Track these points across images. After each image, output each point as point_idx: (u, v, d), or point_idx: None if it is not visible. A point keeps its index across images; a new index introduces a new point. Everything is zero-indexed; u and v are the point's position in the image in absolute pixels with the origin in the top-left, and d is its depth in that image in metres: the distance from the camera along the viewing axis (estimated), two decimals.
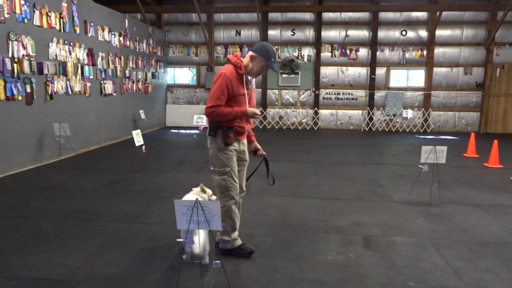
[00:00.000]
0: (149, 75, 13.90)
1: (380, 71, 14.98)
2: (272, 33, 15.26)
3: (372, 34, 14.78)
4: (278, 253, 3.98)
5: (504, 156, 8.64)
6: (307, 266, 3.70)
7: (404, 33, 14.70)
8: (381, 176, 7.42)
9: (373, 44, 14.75)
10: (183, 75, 16.18)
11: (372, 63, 14.84)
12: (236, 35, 15.41)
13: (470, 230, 4.70)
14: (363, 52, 15.01)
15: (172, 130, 14.39)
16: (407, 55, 14.77)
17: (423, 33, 14.68)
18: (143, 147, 7.20)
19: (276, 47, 15.16)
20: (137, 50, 12.78)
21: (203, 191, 3.94)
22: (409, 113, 14.70)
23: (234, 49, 15.40)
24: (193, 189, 4.00)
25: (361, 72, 15.09)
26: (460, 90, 14.83)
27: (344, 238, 4.40)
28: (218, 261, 3.07)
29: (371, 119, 15.07)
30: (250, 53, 3.68)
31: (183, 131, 14.15)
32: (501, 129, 14.68)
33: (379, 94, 15.02)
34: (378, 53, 14.80)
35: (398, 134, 14.07)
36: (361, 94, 15.14)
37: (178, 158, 8.92)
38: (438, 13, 13.90)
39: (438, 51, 14.69)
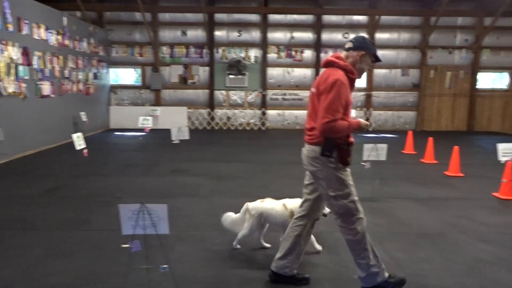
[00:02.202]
0: (91, 75, 13.33)
1: None
2: (219, 33, 15.23)
3: (316, 36, 15.20)
4: (229, 254, 3.98)
5: (439, 152, 9.23)
6: (257, 265, 3.73)
7: (346, 35, 15.26)
8: None
9: (318, 46, 15.18)
10: (127, 76, 15.69)
11: (317, 65, 15.26)
12: (182, 35, 15.21)
13: (409, 223, 4.97)
14: (308, 54, 15.40)
15: (116, 133, 13.89)
16: None
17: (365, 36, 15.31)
18: (85, 150, 6.89)
19: (223, 48, 15.16)
20: (77, 49, 12.21)
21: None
22: (352, 113, 15.24)
23: (180, 49, 15.19)
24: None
25: (307, 73, 15.47)
26: (398, 91, 15.65)
27: None
28: (166, 266, 3.01)
29: None
30: (355, 52, 3.22)
31: (128, 133, 13.72)
32: (435, 126, 15.67)
33: None
34: (322, 54, 15.24)
35: None
36: (306, 94, 15.52)
37: (123, 162, 8.64)
38: (377, 17, 14.61)
39: (378, 53, 15.33)
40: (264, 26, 15.09)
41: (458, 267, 3.75)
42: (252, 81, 15.34)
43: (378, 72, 15.49)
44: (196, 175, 7.44)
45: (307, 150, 3.22)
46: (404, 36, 15.43)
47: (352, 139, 3.19)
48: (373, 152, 5.99)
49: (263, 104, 15.49)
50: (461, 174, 7.62)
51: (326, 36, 15.28)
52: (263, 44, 15.20)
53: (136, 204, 2.83)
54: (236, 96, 15.58)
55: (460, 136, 14.16)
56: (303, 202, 3.44)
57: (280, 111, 15.66)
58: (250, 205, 4.06)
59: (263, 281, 3.42)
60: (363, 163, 6.03)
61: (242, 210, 4.10)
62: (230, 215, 4.18)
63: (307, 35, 15.35)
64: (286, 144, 11.74)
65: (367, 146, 6.00)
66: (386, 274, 3.22)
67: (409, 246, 4.21)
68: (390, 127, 15.77)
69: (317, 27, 15.13)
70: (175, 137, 8.58)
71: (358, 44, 3.25)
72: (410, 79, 15.62)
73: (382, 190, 6.42)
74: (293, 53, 15.34)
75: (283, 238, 3.46)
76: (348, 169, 3.18)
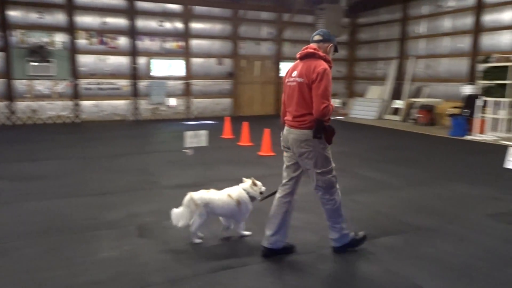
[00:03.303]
0: None
1: (142, 61, 15.01)
2: (13, 14, 13.11)
3: (130, 23, 14.60)
4: (45, 262, 3.56)
5: (253, 135, 10.09)
6: (79, 269, 3.45)
7: (161, 24, 15.12)
8: (152, 164, 7.53)
9: (133, 33, 14.62)
10: None
11: (133, 53, 14.72)
12: None
13: None
14: (124, 41, 14.69)
15: None
16: (166, 45, 15.29)
17: (180, 25, 15.46)
18: None
19: (22, 31, 13.16)
20: None
21: (254, 184, 3.99)
22: (172, 101, 15.36)
23: None
24: (244, 180, 4.00)
25: (123, 61, 14.76)
26: (215, 79, 16.41)
27: (117, 232, 4.29)
28: None
29: (136, 108, 15.01)
30: (325, 44, 3.62)
31: None
32: (249, 112, 17.07)
33: (142, 84, 15.08)
34: (138, 42, 14.77)
35: (164, 122, 14.52)
36: (124, 83, 14.85)
37: None
38: (190, 7, 14.90)
39: (194, 42, 15.78)
40: (70, 8, 13.68)
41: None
42: (61, 70, 13.77)
43: (196, 61, 15.90)
44: None
45: (297, 134, 3.56)
46: (217, 27, 16.18)
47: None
48: (195, 139, 6.18)
49: (76, 95, 14.13)
50: (273, 153, 8.51)
51: (141, 23, 14.82)
52: (70, 29, 13.78)
53: None
54: (42, 86, 13.76)
55: (270, 119, 15.75)
56: (287, 181, 3.75)
57: (96, 102, 14.56)
58: (195, 195, 3.88)
59: (86, 284, 3.19)
60: (185, 150, 6.15)
61: (185, 201, 3.90)
62: (175, 211, 3.91)
63: (121, 21, 14.61)
64: (106, 136, 11.05)
65: (188, 134, 6.14)
66: (352, 234, 3.80)
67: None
68: (209, 114, 16.45)
69: (131, 13, 14.54)
70: None
71: (327, 37, 3.64)
72: (225, 68, 16.54)
73: (205, 174, 6.68)
74: (107, 40, 14.41)
75: (270, 215, 3.74)
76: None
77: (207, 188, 4.13)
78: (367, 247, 3.90)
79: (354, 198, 5.35)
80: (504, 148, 4.81)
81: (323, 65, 3.46)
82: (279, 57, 17.29)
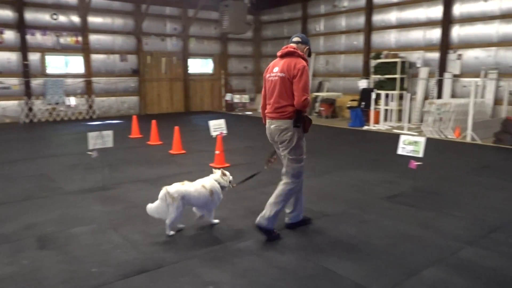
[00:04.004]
0: None
1: (34, 57, 13.72)
2: None
3: (18, 15, 13.24)
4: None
5: (163, 134, 9.85)
6: None
7: (55, 17, 13.96)
8: (51, 169, 6.96)
9: (21, 26, 13.28)
10: None
11: (23, 48, 13.39)
12: None
13: (142, 204, 5.09)
14: (11, 35, 13.28)
15: None
16: (61, 40, 14.16)
17: (76, 19, 14.41)
18: None
19: None
20: None
21: (224, 174, 4.30)
22: (72, 101, 14.29)
23: None
24: (214, 171, 4.31)
25: (11, 57, 13.36)
26: (119, 76, 15.64)
27: (14, 246, 3.89)
28: None
29: (30, 109, 13.70)
30: (303, 45, 4.05)
31: None
32: (158, 110, 16.62)
33: (36, 82, 13.80)
34: (29, 37, 13.47)
35: (64, 123, 13.48)
36: (14, 82, 13.45)
37: None
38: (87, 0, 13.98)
39: (94, 38, 14.85)
40: None
41: (187, 234, 4.17)
42: None
43: (96, 57, 15.00)
44: None
45: (278, 123, 3.95)
46: (118, 22, 15.41)
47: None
48: (99, 140, 5.83)
49: None
50: (183, 151, 8.40)
51: (30, 16, 13.53)
52: None
53: None
54: None
55: (180, 116, 15.55)
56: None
57: None
58: (170, 188, 4.02)
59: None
60: (89, 153, 5.79)
61: (161, 196, 4.03)
62: (151, 205, 4.06)
63: (6, 13, 13.18)
64: None
65: (91, 135, 5.78)
66: (302, 215, 4.38)
67: (144, 227, 4.37)
68: (115, 113, 15.66)
69: (18, 4, 13.19)
70: None
71: (305, 40, 4.10)
72: (129, 64, 15.84)
73: (112, 177, 6.36)
74: None
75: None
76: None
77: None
78: (281, 237, 4.05)
79: (264, 190, 5.51)
80: (396, 136, 5.34)
81: (302, 62, 3.88)
82: (186, 53, 17.06)
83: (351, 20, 15.03)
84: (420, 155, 5.18)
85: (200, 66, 18.03)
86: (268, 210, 3.97)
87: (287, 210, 4.26)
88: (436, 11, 12.38)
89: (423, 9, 12.74)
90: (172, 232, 4.09)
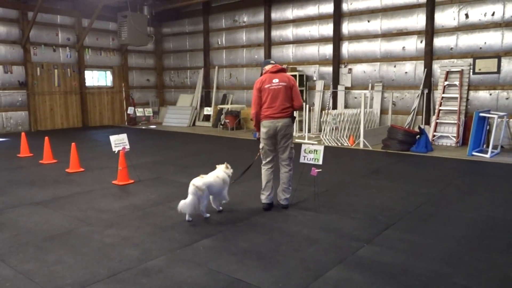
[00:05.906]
0: None
1: None
2: None
3: None
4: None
5: (57, 151, 9.09)
6: None
7: None
8: None
9: None
10: None
11: None
12: None
13: (35, 229, 4.68)
14: None
15: None
16: None
17: None
18: None
19: None
20: None
21: (227, 168, 5.29)
22: None
23: None
24: (217, 166, 5.33)
25: None
26: (3, 90, 14.11)
27: None
28: None
29: None
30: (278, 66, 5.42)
31: None
32: (51, 125, 15.31)
33: None
34: None
35: None
36: None
37: None
38: None
39: None
40: None
41: (89, 258, 3.89)
42: None
43: None
44: None
45: (284, 121, 5.17)
46: (0, 30, 13.95)
47: None
48: None
49: None
50: (82, 169, 7.84)
51: None
52: None
53: None
54: None
55: (77, 132, 14.50)
56: (272, 158, 5.37)
57: None
58: (196, 182, 4.79)
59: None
60: None
61: (191, 191, 4.74)
62: (185, 202, 4.71)
63: None
64: None
65: None
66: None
67: (38, 254, 3.97)
68: (0, 130, 14.06)
69: None
70: None
71: (275, 61, 5.50)
72: (15, 76, 14.38)
73: None
74: None
75: (266, 182, 5.37)
76: None
77: None
78: (190, 252, 3.99)
79: (171, 205, 5.39)
80: (299, 145, 5.63)
81: (290, 76, 5.36)
82: (82, 65, 16.04)
83: (251, 34, 15.54)
84: (320, 162, 5.52)
85: (98, 78, 17.08)
86: (286, 193, 5.40)
87: (266, 193, 5.34)
88: (327, 29, 13.39)
89: (316, 26, 13.70)
90: (208, 215, 4.96)
